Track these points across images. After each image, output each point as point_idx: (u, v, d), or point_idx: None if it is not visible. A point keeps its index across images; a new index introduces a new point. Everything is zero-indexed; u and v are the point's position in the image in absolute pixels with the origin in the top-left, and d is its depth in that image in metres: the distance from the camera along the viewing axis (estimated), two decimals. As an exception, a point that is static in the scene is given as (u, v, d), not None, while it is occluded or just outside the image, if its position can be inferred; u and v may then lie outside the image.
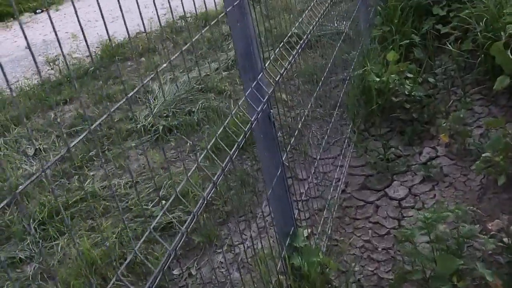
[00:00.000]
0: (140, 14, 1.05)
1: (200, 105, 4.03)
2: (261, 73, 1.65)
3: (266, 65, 1.69)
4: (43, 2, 9.85)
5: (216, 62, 4.89)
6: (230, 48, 5.29)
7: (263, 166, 1.82)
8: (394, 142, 3.10)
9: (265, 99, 1.63)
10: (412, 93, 3.13)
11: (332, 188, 2.63)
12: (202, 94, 4.26)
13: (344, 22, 3.96)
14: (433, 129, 3.07)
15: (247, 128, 1.53)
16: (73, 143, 0.94)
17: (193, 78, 4.55)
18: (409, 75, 3.55)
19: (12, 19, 9.20)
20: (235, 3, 1.52)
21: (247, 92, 1.61)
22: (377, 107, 3.19)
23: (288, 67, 1.85)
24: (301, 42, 1.97)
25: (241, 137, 1.51)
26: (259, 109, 1.61)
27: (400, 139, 3.11)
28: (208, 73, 4.64)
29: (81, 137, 0.97)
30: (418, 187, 2.67)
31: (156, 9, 1.13)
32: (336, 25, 3.46)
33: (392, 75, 3.31)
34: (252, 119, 1.59)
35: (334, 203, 2.59)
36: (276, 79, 1.70)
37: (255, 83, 1.61)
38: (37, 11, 9.40)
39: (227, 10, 1.52)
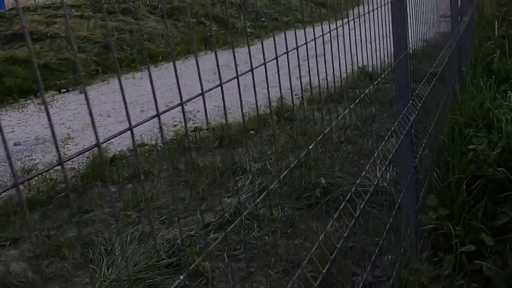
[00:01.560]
0: (130, 126, 0.77)
1: (159, 299, 2.79)
2: None
3: None
4: (72, 80, 9.15)
5: (212, 213, 3.68)
6: (241, 187, 4.09)
7: None
8: None
9: None
10: None
11: None
12: (173, 272, 3.03)
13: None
14: None
15: None
16: None
17: (169, 240, 3.34)
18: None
19: (34, 96, 8.41)
20: None
21: None
22: None
23: None
24: None
25: None
26: None
27: None
28: (193, 233, 3.42)
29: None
30: None
31: (160, 120, 0.83)
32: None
33: None
34: None
35: None
36: None
37: None
38: (62, 90, 8.67)
39: None
